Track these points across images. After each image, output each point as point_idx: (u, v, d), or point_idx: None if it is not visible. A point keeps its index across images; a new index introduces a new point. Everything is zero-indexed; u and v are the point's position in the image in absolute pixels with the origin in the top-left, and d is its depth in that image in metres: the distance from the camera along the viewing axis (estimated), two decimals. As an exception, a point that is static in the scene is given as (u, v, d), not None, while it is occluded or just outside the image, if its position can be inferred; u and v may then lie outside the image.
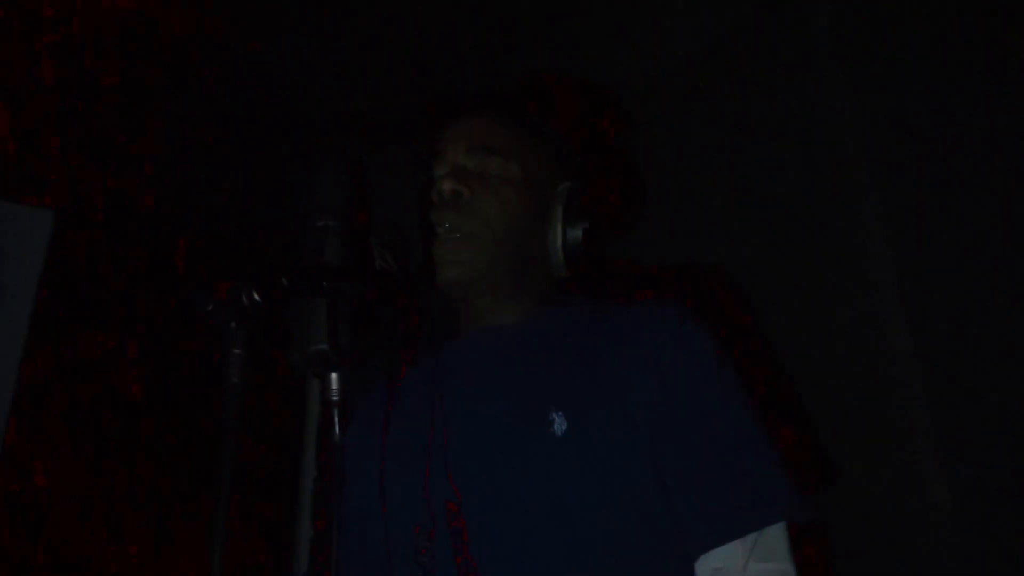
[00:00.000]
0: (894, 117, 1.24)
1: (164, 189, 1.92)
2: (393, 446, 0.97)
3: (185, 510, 1.74)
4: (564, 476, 0.86)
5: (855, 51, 1.27)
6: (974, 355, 1.14)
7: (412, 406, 0.99)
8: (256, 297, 0.74)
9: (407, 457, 0.94)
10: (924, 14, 1.23)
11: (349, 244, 0.79)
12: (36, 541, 1.60)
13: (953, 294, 1.15)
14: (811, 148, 1.34)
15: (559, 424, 0.88)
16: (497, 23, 1.71)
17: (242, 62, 1.83)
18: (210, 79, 1.85)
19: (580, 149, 1.10)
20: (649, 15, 1.56)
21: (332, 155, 0.84)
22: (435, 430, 0.94)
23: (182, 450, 1.76)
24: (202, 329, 0.76)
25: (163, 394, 1.79)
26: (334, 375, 0.76)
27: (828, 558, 1.18)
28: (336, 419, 0.76)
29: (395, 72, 1.87)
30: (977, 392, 1.12)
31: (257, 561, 1.71)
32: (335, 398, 0.76)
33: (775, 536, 0.83)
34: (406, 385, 1.03)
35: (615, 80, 1.60)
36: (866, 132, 1.26)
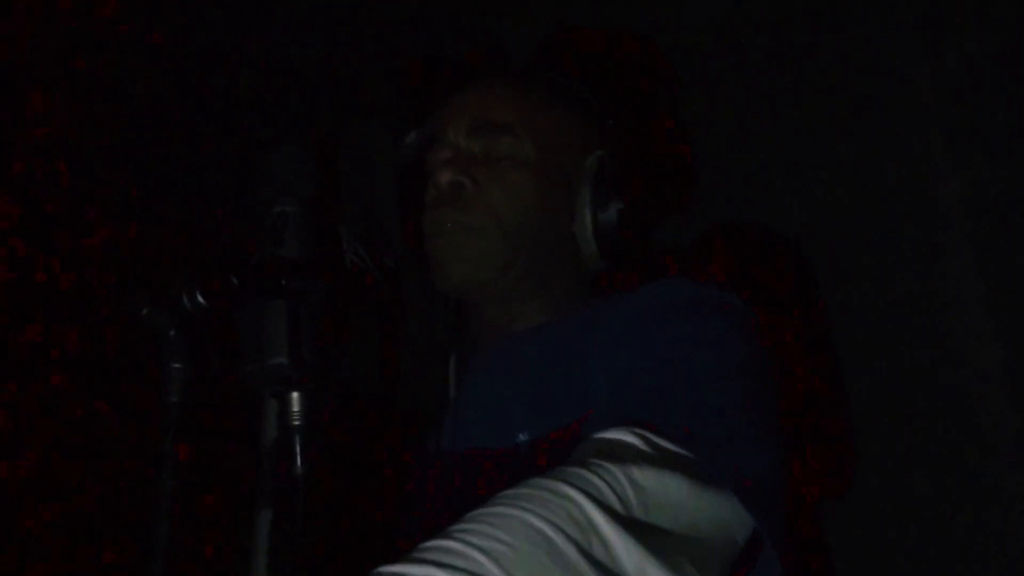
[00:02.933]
0: (977, 73, 1.24)
1: (93, 171, 1.91)
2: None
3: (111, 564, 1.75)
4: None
5: (937, 12, 1.27)
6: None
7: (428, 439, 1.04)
8: (200, 299, 0.75)
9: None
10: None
11: (313, 234, 0.79)
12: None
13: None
14: (879, 111, 1.34)
15: (523, 445, 0.91)
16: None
17: (189, 16, 1.83)
18: (153, 34, 1.85)
19: (614, 112, 1.09)
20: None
21: (294, 128, 0.84)
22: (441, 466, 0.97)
23: (110, 489, 1.77)
24: (140, 337, 0.76)
25: (92, 415, 1.80)
26: (295, 394, 0.76)
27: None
28: (298, 449, 0.75)
29: (372, 26, 1.87)
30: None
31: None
32: (296, 422, 0.76)
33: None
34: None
35: (651, 29, 1.59)
36: (943, 92, 1.26)
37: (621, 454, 0.73)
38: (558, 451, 0.86)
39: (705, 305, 0.90)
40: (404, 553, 0.64)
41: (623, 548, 0.67)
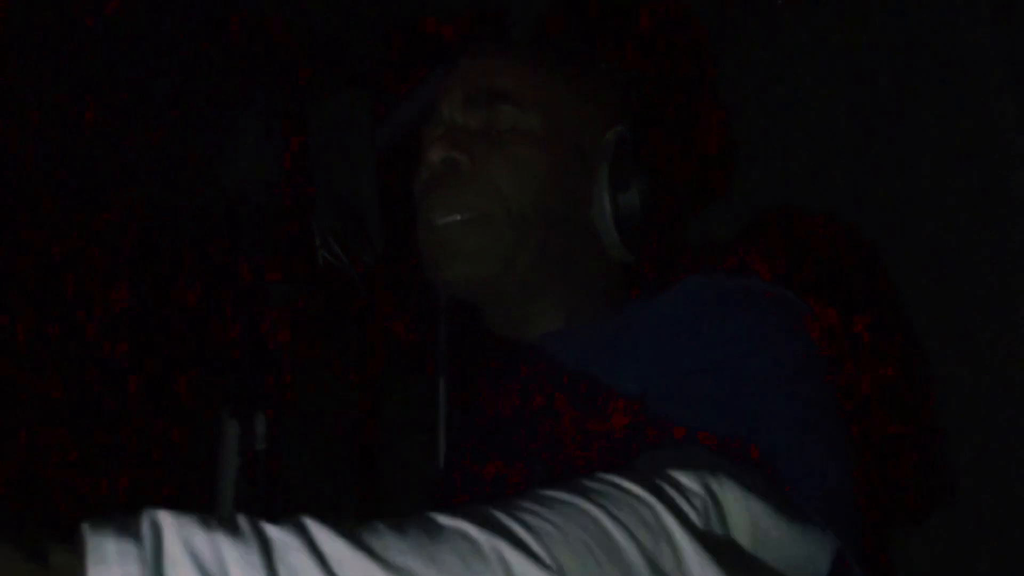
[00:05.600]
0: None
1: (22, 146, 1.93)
2: None
3: None
4: None
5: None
6: None
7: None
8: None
9: None
10: None
11: (278, 228, 0.80)
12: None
13: None
14: (947, 81, 1.34)
15: (539, 479, 0.90)
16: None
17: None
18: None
19: (638, 79, 1.09)
20: None
21: (256, 98, 0.84)
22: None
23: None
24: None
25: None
26: (260, 416, 0.77)
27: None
28: (260, 475, 0.76)
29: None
30: None
31: None
32: (261, 447, 0.77)
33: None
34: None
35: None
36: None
37: (701, 468, 0.73)
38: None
39: (751, 299, 0.91)
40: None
41: (698, 563, 0.67)
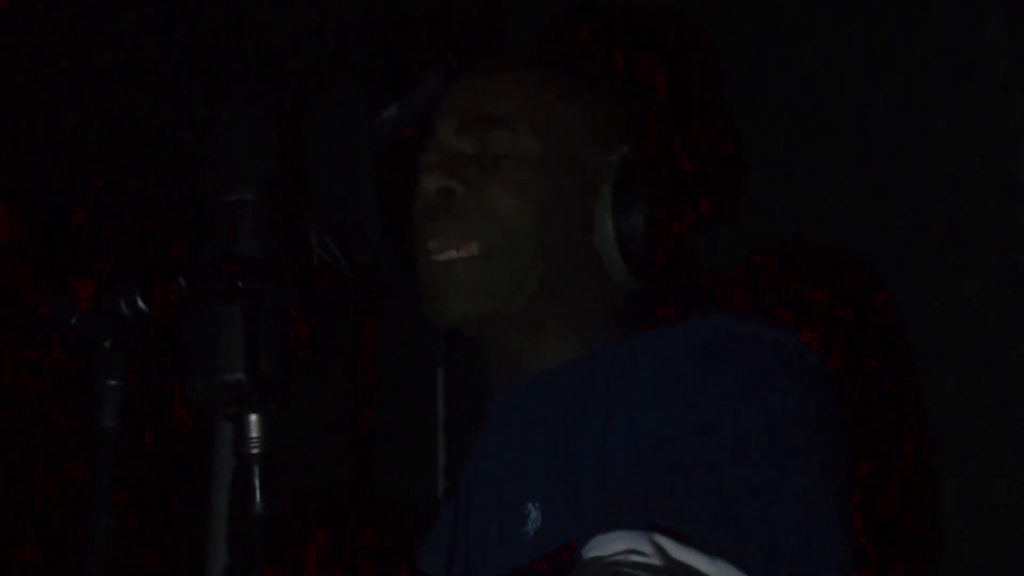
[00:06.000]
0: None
1: (10, 151, 1.92)
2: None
3: None
4: None
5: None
6: None
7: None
8: (140, 304, 0.76)
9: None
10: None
11: (275, 228, 0.79)
12: None
13: None
14: (958, 100, 1.35)
15: (533, 520, 0.89)
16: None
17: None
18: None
19: (643, 100, 1.09)
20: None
21: (252, 97, 0.84)
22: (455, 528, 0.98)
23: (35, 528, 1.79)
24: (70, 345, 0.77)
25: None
26: (253, 417, 0.76)
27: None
28: (257, 481, 0.76)
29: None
30: None
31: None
32: (255, 450, 0.76)
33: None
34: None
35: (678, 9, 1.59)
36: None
37: None
38: (566, 528, 0.86)
39: (759, 350, 0.87)
40: None
41: None
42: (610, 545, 0.74)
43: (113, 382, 0.77)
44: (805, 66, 1.48)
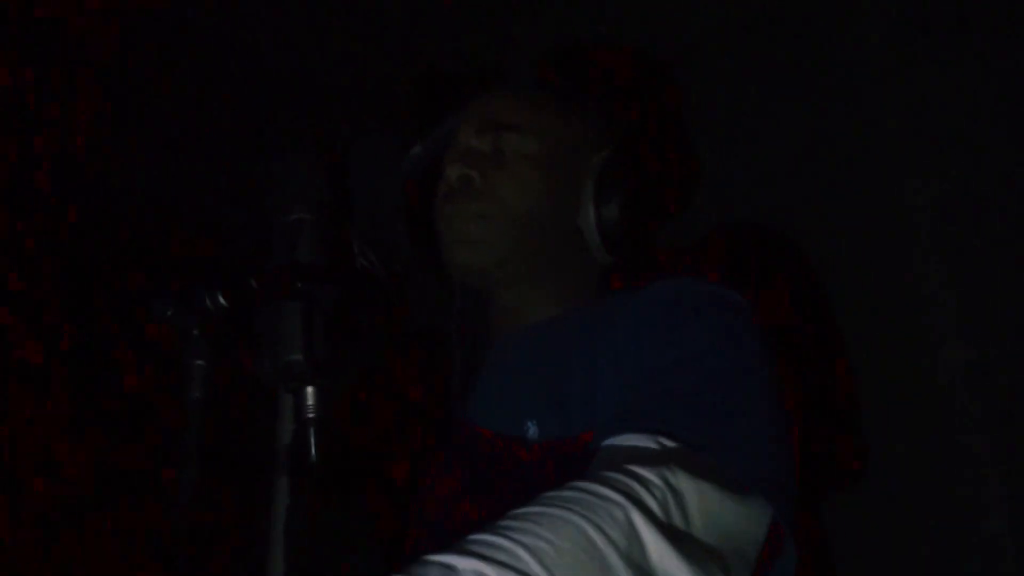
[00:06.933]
0: (946, 100, 1.26)
1: (117, 181, 1.94)
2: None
3: (140, 554, 1.77)
4: (528, 492, 0.88)
5: (901, 25, 1.29)
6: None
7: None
8: (221, 300, 0.77)
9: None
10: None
11: (325, 241, 0.81)
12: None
13: (1010, 291, 1.18)
14: (860, 130, 1.36)
15: (532, 433, 0.91)
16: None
17: (207, 35, 1.85)
18: (173, 52, 1.87)
19: (620, 116, 1.10)
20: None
21: (307, 140, 0.86)
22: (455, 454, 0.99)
23: (132, 484, 1.80)
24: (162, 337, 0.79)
25: (112, 417, 1.83)
26: (310, 389, 0.77)
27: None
28: (312, 440, 0.77)
29: (383, 42, 1.88)
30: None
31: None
32: (311, 415, 0.78)
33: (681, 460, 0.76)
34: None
35: (647, 46, 1.61)
36: (921, 115, 1.28)
37: (656, 460, 0.73)
38: (567, 457, 0.88)
39: (716, 304, 0.91)
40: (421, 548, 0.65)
41: (657, 554, 0.67)
42: (623, 442, 0.78)
43: (200, 362, 0.78)
44: (747, 96, 1.49)
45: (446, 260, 1.02)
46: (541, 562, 0.62)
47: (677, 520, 0.71)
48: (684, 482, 0.72)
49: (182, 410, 0.79)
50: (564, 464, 0.87)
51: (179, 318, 0.77)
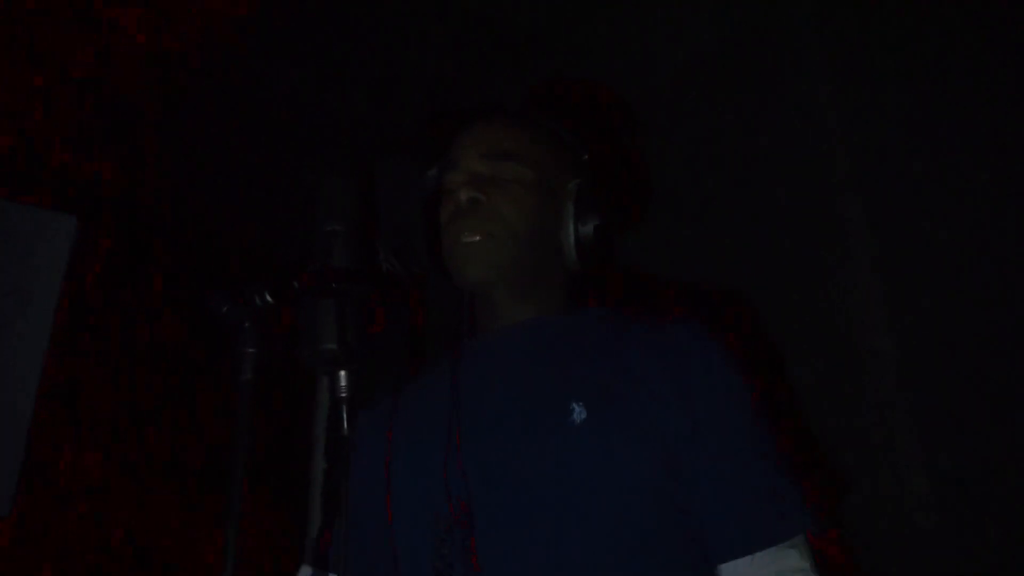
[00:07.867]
0: (879, 121, 1.24)
1: (181, 199, 1.94)
2: (407, 444, 0.96)
3: (199, 506, 1.75)
4: (583, 462, 0.85)
5: (841, 60, 1.27)
6: (954, 351, 1.14)
7: (431, 403, 0.98)
8: (268, 298, 0.76)
9: (423, 453, 0.93)
10: (912, 23, 1.24)
11: (356, 248, 0.79)
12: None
13: (934, 292, 1.16)
14: (798, 155, 1.34)
15: (578, 413, 0.88)
16: (497, 33, 1.72)
17: (257, 78, 1.84)
18: (228, 93, 1.86)
19: (590, 148, 1.09)
20: (642, 26, 1.57)
21: (340, 163, 0.84)
22: (452, 424, 0.93)
23: (193, 450, 1.78)
24: (217, 331, 0.77)
25: (176, 395, 1.81)
26: (342, 372, 0.77)
27: (852, 560, 1.17)
28: (344, 415, 0.76)
29: (401, 82, 1.88)
30: (957, 386, 1.13)
31: (270, 552, 1.71)
32: (343, 395, 0.77)
33: (797, 546, 0.85)
34: (423, 384, 1.02)
35: (615, 85, 1.60)
36: (852, 139, 1.26)
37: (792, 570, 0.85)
38: (614, 426, 0.87)
39: (738, 366, 0.93)
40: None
41: None
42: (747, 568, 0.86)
43: (250, 349, 0.76)
44: (697, 129, 1.48)
45: (453, 271, 0.99)
46: None
47: None
48: None
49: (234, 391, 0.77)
50: (608, 438, 0.86)
51: (233, 312, 0.76)
